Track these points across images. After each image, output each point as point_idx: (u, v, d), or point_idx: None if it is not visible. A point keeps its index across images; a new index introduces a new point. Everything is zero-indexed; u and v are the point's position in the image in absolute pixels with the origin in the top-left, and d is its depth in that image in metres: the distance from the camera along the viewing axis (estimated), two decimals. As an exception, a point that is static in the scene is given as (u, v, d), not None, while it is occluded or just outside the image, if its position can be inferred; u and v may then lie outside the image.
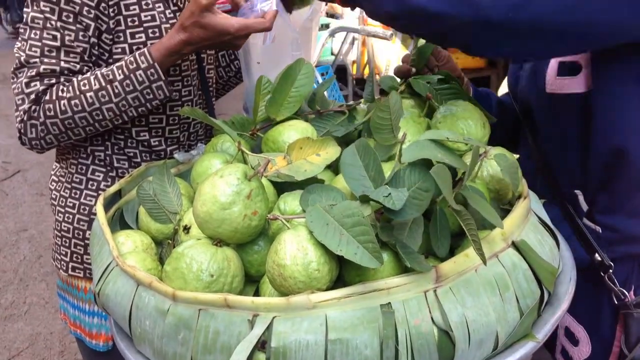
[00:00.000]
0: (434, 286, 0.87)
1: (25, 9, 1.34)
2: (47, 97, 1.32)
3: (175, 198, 1.24)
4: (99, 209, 1.19)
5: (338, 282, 0.94)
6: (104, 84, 1.31)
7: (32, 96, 1.32)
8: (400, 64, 1.47)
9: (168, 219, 1.22)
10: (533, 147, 1.40)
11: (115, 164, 1.50)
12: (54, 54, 1.32)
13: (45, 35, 1.31)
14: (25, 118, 1.33)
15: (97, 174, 1.50)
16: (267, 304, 0.85)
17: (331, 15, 6.16)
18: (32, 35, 1.32)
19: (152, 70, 1.30)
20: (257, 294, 1.07)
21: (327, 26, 4.84)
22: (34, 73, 1.31)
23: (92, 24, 1.33)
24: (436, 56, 1.45)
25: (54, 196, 1.56)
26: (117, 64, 1.33)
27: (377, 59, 5.49)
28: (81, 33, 1.32)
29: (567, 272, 1.09)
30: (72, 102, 1.31)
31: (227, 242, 1.01)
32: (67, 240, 1.52)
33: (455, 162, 0.95)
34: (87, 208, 1.49)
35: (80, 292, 1.56)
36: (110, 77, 1.31)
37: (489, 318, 0.89)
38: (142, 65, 1.30)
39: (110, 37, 1.36)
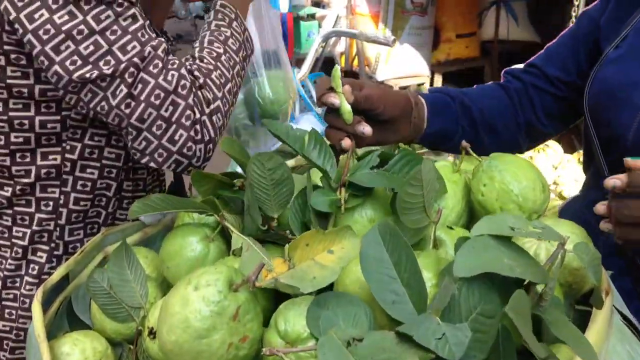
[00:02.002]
0: None
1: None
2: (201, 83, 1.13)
3: (139, 287, 0.95)
4: (35, 309, 0.89)
5: None
6: (223, 46, 1.21)
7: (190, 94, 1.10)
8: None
9: (129, 317, 0.93)
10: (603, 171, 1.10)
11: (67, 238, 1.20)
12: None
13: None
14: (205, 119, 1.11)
15: (39, 254, 1.20)
16: None
17: (316, 3, 5.82)
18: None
19: (240, 19, 1.27)
20: None
21: (312, 16, 4.51)
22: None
23: None
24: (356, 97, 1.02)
25: None
26: (206, 25, 1.24)
27: (367, 51, 5.18)
28: None
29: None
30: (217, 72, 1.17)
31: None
32: (7, 344, 1.22)
33: (531, 272, 0.67)
34: (28, 301, 1.19)
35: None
36: (222, 37, 1.22)
37: None
38: (232, 16, 1.26)
39: None
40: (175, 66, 1.08)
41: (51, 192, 1.16)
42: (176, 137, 1.06)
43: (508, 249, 0.69)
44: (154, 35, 1.10)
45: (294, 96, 2.00)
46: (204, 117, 1.09)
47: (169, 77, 1.06)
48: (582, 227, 0.87)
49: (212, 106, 1.11)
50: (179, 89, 1.07)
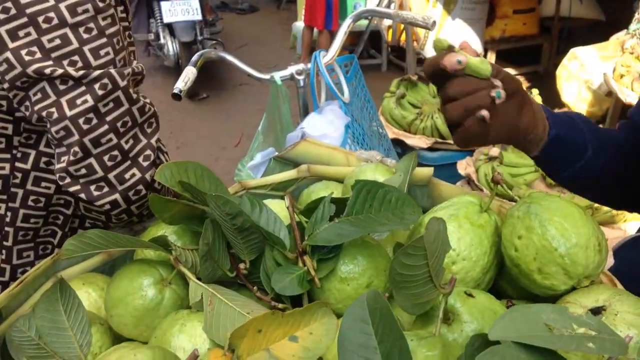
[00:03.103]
0: None
1: None
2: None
3: (79, 335, 0.76)
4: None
5: None
6: None
7: None
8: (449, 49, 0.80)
9: (64, 373, 0.75)
10: None
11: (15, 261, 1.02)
12: None
13: None
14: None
15: None
16: None
17: (365, -26, 5.52)
18: None
19: None
20: None
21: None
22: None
23: None
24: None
25: None
26: None
27: (415, 26, 4.86)
28: None
29: None
30: None
31: None
32: None
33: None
34: None
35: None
36: None
37: None
38: None
39: None
40: (146, 99, 0.95)
41: None
42: (127, 175, 0.90)
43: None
44: (125, 42, 0.95)
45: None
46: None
47: (140, 107, 0.92)
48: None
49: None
50: (146, 125, 0.93)
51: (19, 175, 0.96)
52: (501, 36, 5.42)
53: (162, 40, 5.67)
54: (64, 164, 0.87)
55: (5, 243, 0.99)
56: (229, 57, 1.86)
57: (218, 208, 0.71)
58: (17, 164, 0.96)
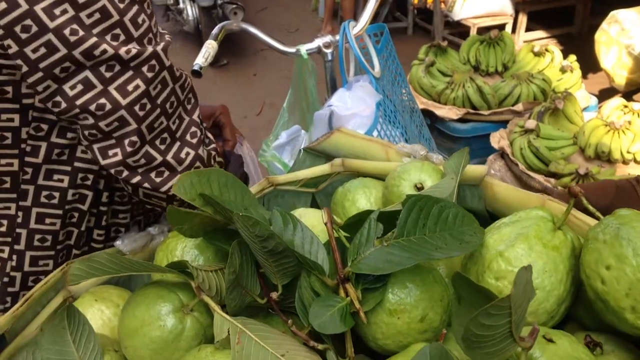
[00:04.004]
0: None
1: None
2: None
3: (90, 366, 0.68)
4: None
5: None
6: None
7: None
8: None
9: (74, 411, 0.67)
10: None
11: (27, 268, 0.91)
12: None
13: None
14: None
15: None
16: None
17: None
18: None
19: None
20: None
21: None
22: None
23: None
24: None
25: None
26: None
27: (444, -13, 4.66)
28: None
29: None
30: None
31: None
32: None
33: None
34: None
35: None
36: None
37: None
38: None
39: None
40: (182, 70, 0.90)
41: (4, 208, 0.88)
42: (182, 155, 0.86)
43: None
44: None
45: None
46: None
47: (181, 83, 0.88)
48: None
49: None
50: (186, 102, 0.88)
51: (29, 170, 0.86)
52: (533, -4, 5.18)
53: (181, 5, 5.52)
54: (119, 157, 0.80)
55: (16, 247, 0.89)
56: (252, 29, 1.73)
57: (247, 229, 0.60)
58: (27, 159, 0.86)
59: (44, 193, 0.88)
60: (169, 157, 0.84)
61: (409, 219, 0.62)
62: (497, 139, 2.72)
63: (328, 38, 1.74)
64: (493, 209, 0.87)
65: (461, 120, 2.86)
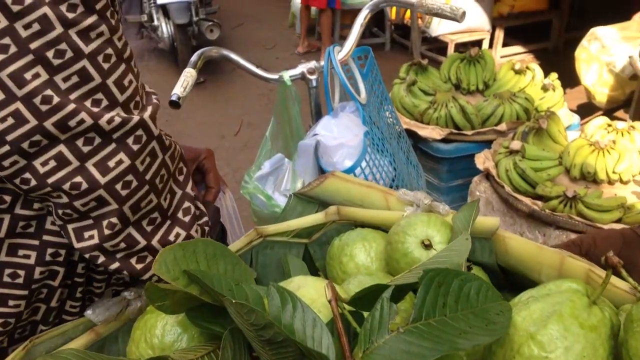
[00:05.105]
0: None
1: None
2: None
3: None
4: None
5: None
6: None
7: None
8: None
9: None
10: None
11: None
12: None
13: None
14: None
15: None
16: None
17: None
18: None
19: None
20: None
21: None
22: None
23: None
24: None
25: None
26: None
27: (421, 4, 4.62)
28: None
29: None
30: None
31: None
32: None
33: None
34: None
35: None
36: None
37: None
38: None
39: None
40: (166, 134, 0.78)
41: None
42: (171, 237, 0.75)
43: None
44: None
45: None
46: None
47: (171, 153, 0.77)
48: None
49: None
50: (177, 173, 0.78)
51: None
52: (510, 12, 5.20)
53: (155, 22, 5.42)
54: (95, 241, 0.69)
55: None
56: (232, 55, 1.64)
57: (240, 316, 0.51)
58: None
59: (7, 271, 0.77)
60: (154, 241, 0.74)
61: (427, 298, 0.54)
62: (482, 160, 2.66)
63: (312, 64, 1.66)
64: (505, 263, 0.80)
65: (444, 140, 2.81)
